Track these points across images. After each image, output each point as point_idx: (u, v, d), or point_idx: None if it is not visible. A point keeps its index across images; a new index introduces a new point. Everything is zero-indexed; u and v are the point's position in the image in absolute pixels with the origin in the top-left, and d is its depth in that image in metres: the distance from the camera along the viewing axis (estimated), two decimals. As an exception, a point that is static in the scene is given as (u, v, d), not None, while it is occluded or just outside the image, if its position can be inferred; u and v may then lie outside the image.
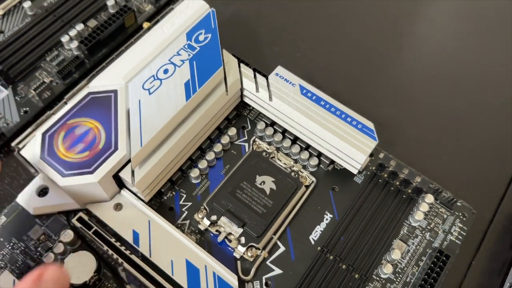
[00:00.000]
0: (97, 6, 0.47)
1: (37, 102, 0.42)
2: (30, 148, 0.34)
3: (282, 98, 0.39)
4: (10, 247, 0.36)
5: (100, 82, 0.37)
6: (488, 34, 0.51)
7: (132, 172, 0.35)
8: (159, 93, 0.36)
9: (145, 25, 0.41)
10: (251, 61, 0.42)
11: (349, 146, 0.37)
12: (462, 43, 0.50)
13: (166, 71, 0.38)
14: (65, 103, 0.36)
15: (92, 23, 0.46)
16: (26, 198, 0.37)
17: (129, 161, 0.35)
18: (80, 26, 0.45)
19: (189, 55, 0.38)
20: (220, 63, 0.38)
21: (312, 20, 0.50)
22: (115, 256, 0.34)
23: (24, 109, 0.42)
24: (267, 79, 0.40)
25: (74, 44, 0.44)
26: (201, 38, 0.39)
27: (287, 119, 0.39)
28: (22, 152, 0.34)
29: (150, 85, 0.37)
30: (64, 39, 0.45)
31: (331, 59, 0.48)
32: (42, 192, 0.37)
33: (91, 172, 0.33)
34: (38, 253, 0.35)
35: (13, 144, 0.34)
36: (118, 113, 0.35)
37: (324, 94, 0.39)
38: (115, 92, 0.36)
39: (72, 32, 0.45)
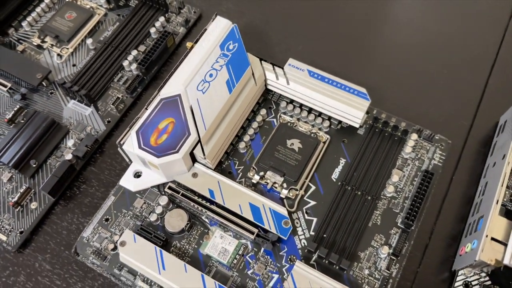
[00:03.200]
0: (143, 34, 0.62)
1: (115, 113, 0.57)
2: (129, 143, 0.49)
3: (296, 81, 0.53)
4: (122, 216, 0.50)
5: (167, 90, 0.51)
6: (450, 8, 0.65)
7: (202, 148, 0.49)
8: (209, 92, 0.51)
9: (188, 44, 0.55)
10: (266, 57, 0.56)
11: (349, 107, 0.51)
12: (427, 17, 0.64)
13: (211, 75, 0.52)
14: (146, 108, 0.51)
15: (142, 48, 0.61)
16: (126, 180, 0.51)
17: (198, 142, 0.49)
18: (134, 52, 0.60)
19: (224, 61, 0.53)
20: (248, 63, 0.53)
21: (308, 19, 0.64)
22: (200, 208, 0.49)
23: (107, 119, 0.57)
24: (283, 69, 0.54)
25: (134, 66, 0.59)
26: (231, 47, 0.54)
27: (302, 96, 0.53)
28: (124, 147, 0.49)
29: (202, 87, 0.51)
30: (125, 63, 0.59)
31: (328, 46, 0.62)
32: (136, 175, 0.52)
33: (177, 152, 0.47)
34: (143, 216, 0.50)
35: (116, 142, 0.49)
36: (185, 110, 0.50)
37: (325, 73, 0.53)
38: (179, 95, 0.50)
39: (130, 57, 0.59)
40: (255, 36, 0.63)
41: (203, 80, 0.52)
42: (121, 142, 0.49)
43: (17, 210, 0.51)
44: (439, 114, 0.57)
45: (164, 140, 0.48)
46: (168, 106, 0.50)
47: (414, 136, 0.52)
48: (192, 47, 0.54)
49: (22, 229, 0.50)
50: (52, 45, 0.62)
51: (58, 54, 0.61)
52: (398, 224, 0.49)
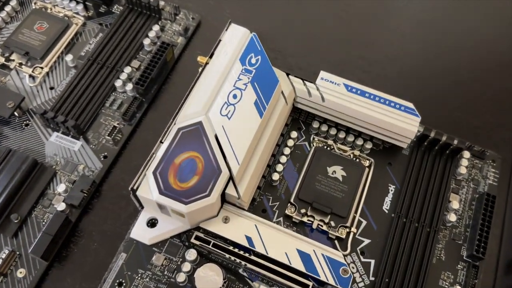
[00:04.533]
0: (135, 47, 0.51)
1: (112, 146, 0.47)
2: (145, 188, 0.39)
3: (333, 97, 0.45)
4: (139, 278, 0.40)
5: (184, 118, 0.42)
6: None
7: (236, 187, 0.40)
8: (236, 116, 0.42)
9: (201, 59, 0.46)
10: (283, 70, 0.48)
11: (399, 125, 0.44)
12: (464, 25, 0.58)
13: (235, 96, 0.43)
14: (161, 142, 0.41)
15: (136, 63, 0.51)
16: (139, 231, 0.41)
17: (229, 179, 0.40)
18: (127, 69, 0.49)
19: (248, 78, 0.44)
20: (277, 79, 0.44)
21: (327, 23, 0.57)
22: (237, 260, 0.40)
23: (103, 154, 0.46)
24: (315, 84, 0.46)
25: (129, 86, 0.48)
26: (253, 61, 0.45)
27: (339, 114, 0.46)
28: (138, 192, 0.39)
29: (226, 111, 0.42)
30: (117, 83, 0.49)
31: (351, 55, 0.55)
32: (151, 223, 0.42)
33: (208, 195, 0.38)
34: (166, 276, 0.40)
35: (129, 188, 0.39)
36: (210, 140, 0.40)
37: (365, 87, 0.46)
38: (200, 123, 0.41)
39: (122, 76, 0.49)
40: (265, 45, 0.54)
41: (227, 103, 0.43)
42: (135, 188, 0.39)
43: (0, 281, 0.40)
44: (482, 127, 0.51)
45: (189, 180, 0.39)
46: (188, 137, 0.41)
47: (467, 154, 0.46)
48: (206, 63, 0.45)
49: (8, 306, 0.39)
50: (21, 63, 0.50)
51: (30, 75, 0.50)
52: (465, 258, 0.43)
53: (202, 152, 0.40)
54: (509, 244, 0.45)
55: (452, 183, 0.46)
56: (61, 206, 0.42)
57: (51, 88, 0.49)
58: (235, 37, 0.46)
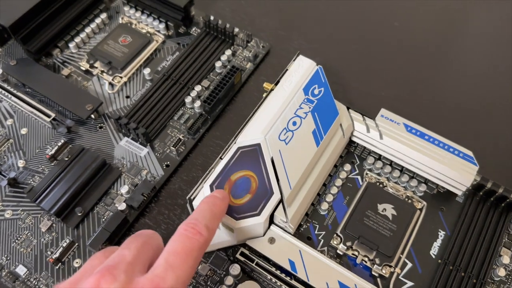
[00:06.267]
0: (207, 68, 0.55)
1: (175, 156, 0.49)
2: (200, 198, 0.41)
3: (391, 136, 0.46)
4: (183, 283, 0.42)
5: (245, 138, 0.44)
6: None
7: (285, 210, 0.41)
8: (293, 143, 0.44)
9: (266, 85, 0.48)
10: (343, 103, 0.49)
11: (455, 172, 0.44)
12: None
13: (294, 123, 0.45)
14: (221, 158, 0.43)
15: (206, 83, 0.54)
16: (188, 240, 0.44)
17: (279, 202, 0.42)
18: (198, 87, 0.53)
19: (309, 107, 0.46)
20: (337, 112, 0.46)
21: (391, 61, 0.58)
22: (278, 283, 0.41)
23: (166, 163, 0.49)
24: (374, 121, 0.47)
25: (197, 103, 0.52)
26: (316, 92, 0.47)
27: (396, 153, 0.46)
28: (194, 202, 0.41)
29: (284, 136, 0.44)
30: (187, 99, 0.52)
31: (417, 95, 0.55)
32: (200, 233, 0.44)
33: (258, 214, 0.40)
34: (208, 287, 0.42)
35: (187, 197, 0.41)
36: (266, 162, 0.42)
37: (425, 129, 0.46)
38: (258, 145, 0.43)
39: (193, 93, 0.52)
40: (330, 78, 0.56)
41: (286, 129, 0.44)
42: (191, 198, 0.41)
43: (57, 267, 0.43)
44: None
45: (242, 197, 0.41)
46: (246, 157, 0.43)
47: (525, 209, 0.45)
48: (272, 89, 0.47)
49: (62, 292, 0.42)
50: (103, 71, 0.55)
51: (110, 83, 0.54)
52: (512, 317, 0.41)
53: (258, 172, 0.42)
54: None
55: (505, 237, 0.45)
56: (122, 206, 0.45)
57: (127, 97, 0.54)
58: (302, 68, 0.48)
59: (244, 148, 0.43)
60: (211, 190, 0.41)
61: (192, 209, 0.42)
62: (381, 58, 0.58)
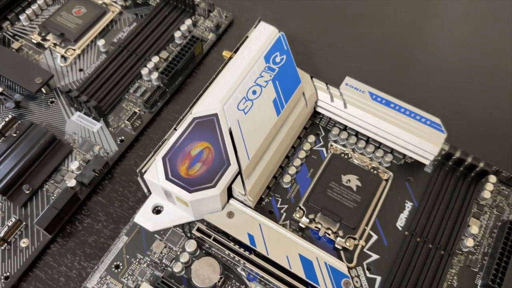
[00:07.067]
0: (165, 39, 0.52)
1: (130, 131, 0.47)
2: (152, 172, 0.39)
3: (356, 105, 0.44)
4: (137, 263, 0.40)
5: (201, 108, 0.41)
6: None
7: (243, 183, 0.39)
8: (253, 112, 0.41)
9: (226, 54, 0.46)
10: (311, 74, 0.47)
11: (422, 140, 0.42)
12: (506, 44, 0.56)
13: (254, 92, 0.42)
14: (175, 129, 0.41)
15: (164, 54, 0.51)
16: (143, 217, 0.41)
17: (237, 174, 0.39)
18: (155, 59, 0.50)
19: (270, 76, 0.43)
20: (299, 80, 0.44)
21: (362, 31, 0.56)
22: (236, 258, 0.39)
23: (120, 138, 0.46)
24: (339, 89, 0.45)
25: (154, 75, 0.49)
26: (278, 59, 0.44)
27: (361, 123, 0.44)
28: (146, 176, 0.39)
29: (243, 106, 0.42)
30: (144, 71, 0.49)
31: (386, 65, 0.53)
32: (156, 210, 0.42)
33: (213, 186, 0.38)
34: (163, 265, 0.40)
35: (137, 170, 0.39)
36: (223, 133, 0.40)
37: (391, 97, 0.44)
38: (216, 115, 0.41)
39: (149, 65, 0.50)
40: (296, 48, 0.53)
41: (245, 98, 0.42)
42: (143, 171, 0.39)
43: (3, 248, 0.40)
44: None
45: (197, 170, 0.38)
46: (202, 128, 0.40)
47: (493, 178, 0.43)
48: (230, 57, 0.45)
49: (8, 274, 0.40)
50: (55, 44, 0.52)
51: (62, 56, 0.51)
52: (479, 287, 0.40)
53: (214, 143, 0.40)
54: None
55: (474, 208, 0.43)
56: (72, 183, 0.42)
57: (81, 70, 0.51)
58: (263, 35, 0.46)
59: (200, 118, 0.41)
60: (164, 162, 0.38)
61: (145, 183, 0.40)
62: (349, 29, 0.56)
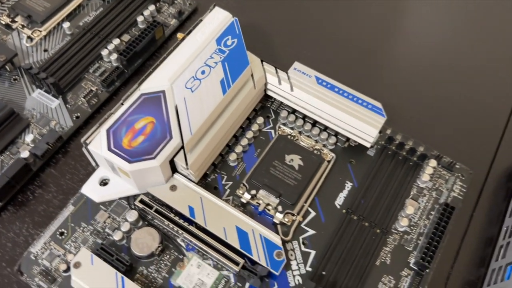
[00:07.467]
0: (128, 23, 0.54)
1: (86, 108, 0.49)
2: (96, 143, 0.40)
3: (302, 88, 0.45)
4: (81, 231, 0.41)
5: (149, 85, 0.43)
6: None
7: (185, 156, 0.41)
8: (200, 91, 0.43)
9: (179, 36, 0.47)
10: (268, 61, 0.49)
11: (362, 123, 0.44)
12: (445, 36, 0.58)
13: (203, 72, 0.44)
14: (122, 103, 0.42)
15: (126, 37, 0.53)
16: (90, 188, 0.43)
17: (180, 149, 0.41)
18: (116, 41, 0.52)
19: (220, 57, 0.45)
20: (248, 62, 0.45)
21: (318, 22, 0.57)
22: (175, 228, 0.40)
23: (76, 114, 0.48)
24: (287, 73, 0.46)
25: (114, 56, 0.51)
26: (229, 42, 0.46)
27: (307, 106, 0.46)
28: (90, 147, 0.40)
29: (191, 84, 0.43)
30: (104, 52, 0.51)
31: (338, 54, 0.55)
32: (103, 182, 0.43)
33: (154, 158, 0.39)
34: (106, 233, 0.41)
35: (81, 140, 0.41)
36: (168, 109, 0.42)
37: (336, 82, 0.46)
38: (163, 92, 0.42)
39: (110, 46, 0.51)
40: (256, 36, 0.55)
41: (194, 77, 0.44)
42: (87, 141, 0.40)
43: (-46, 213, 0.42)
44: (459, 141, 0.49)
45: (139, 142, 0.40)
46: (148, 103, 0.42)
47: (433, 162, 0.45)
48: (183, 38, 0.46)
49: (-43, 238, 0.41)
50: (22, 25, 0.54)
51: (29, 37, 0.53)
52: (411, 265, 0.41)
53: (159, 118, 0.41)
54: (464, 262, 0.43)
55: (413, 190, 0.45)
56: (25, 154, 0.44)
57: (45, 51, 0.52)
58: (217, 19, 0.48)
59: (148, 94, 0.42)
60: (108, 134, 0.40)
61: (90, 155, 0.42)
62: (311, 21, 0.58)
